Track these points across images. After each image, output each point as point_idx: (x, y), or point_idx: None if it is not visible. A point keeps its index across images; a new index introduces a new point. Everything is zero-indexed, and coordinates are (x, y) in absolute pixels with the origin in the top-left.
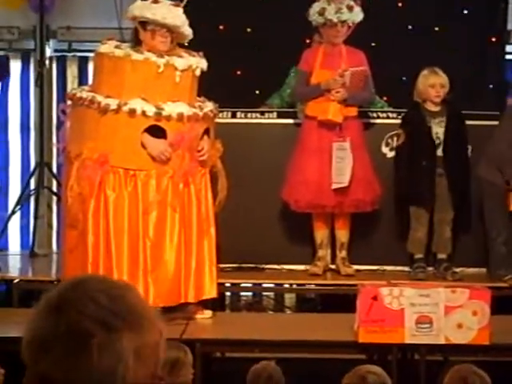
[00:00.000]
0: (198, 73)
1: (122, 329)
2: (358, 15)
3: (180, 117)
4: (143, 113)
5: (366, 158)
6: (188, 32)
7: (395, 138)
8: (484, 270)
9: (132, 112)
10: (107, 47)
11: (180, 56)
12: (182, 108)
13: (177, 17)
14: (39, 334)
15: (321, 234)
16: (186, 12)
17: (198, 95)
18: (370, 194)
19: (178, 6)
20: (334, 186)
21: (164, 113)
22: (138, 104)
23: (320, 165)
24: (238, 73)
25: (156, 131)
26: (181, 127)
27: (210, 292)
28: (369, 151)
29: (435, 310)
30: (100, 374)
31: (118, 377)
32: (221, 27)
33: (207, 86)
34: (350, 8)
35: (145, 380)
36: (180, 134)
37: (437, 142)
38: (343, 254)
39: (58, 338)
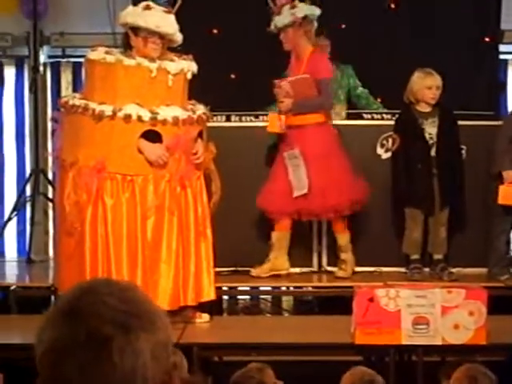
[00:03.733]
0: (189, 76)
1: (137, 329)
2: (286, 17)
3: (175, 121)
4: (139, 118)
5: (334, 164)
6: (179, 38)
7: (390, 140)
8: (480, 269)
9: (127, 117)
10: (97, 53)
11: (171, 60)
12: (177, 112)
13: (169, 25)
14: (58, 342)
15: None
16: (177, 15)
17: (189, 98)
18: (344, 198)
19: (170, 12)
20: (296, 194)
21: (159, 117)
22: (132, 109)
23: (284, 173)
24: (233, 76)
25: (150, 135)
26: (176, 131)
27: (209, 294)
28: (348, 154)
29: (432, 311)
30: (122, 376)
31: (138, 377)
32: (215, 31)
33: (200, 89)
34: (278, 13)
35: (160, 378)
36: (176, 137)
37: (430, 142)
38: (342, 256)
39: (79, 345)
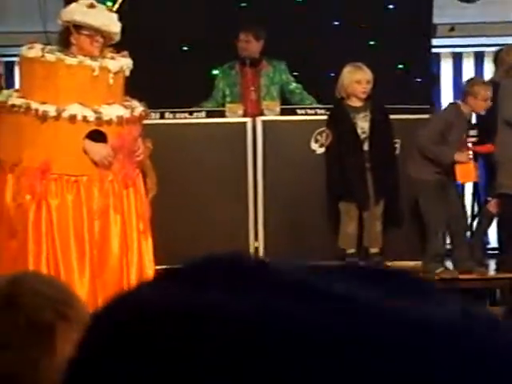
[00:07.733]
0: (127, 73)
1: (73, 318)
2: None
3: (120, 120)
4: (84, 118)
5: None
6: (119, 37)
7: (324, 135)
8: (415, 262)
9: (72, 118)
10: (35, 51)
11: (111, 58)
12: (120, 111)
13: (115, 24)
14: None
15: None
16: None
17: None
18: None
19: (111, 11)
20: None
21: (104, 117)
22: (77, 109)
23: None
24: (166, 72)
25: (93, 135)
26: (121, 130)
27: None
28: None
29: None
30: (61, 364)
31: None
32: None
33: (134, 86)
34: None
35: None
36: (121, 137)
37: (362, 136)
38: None
39: (17, 332)
